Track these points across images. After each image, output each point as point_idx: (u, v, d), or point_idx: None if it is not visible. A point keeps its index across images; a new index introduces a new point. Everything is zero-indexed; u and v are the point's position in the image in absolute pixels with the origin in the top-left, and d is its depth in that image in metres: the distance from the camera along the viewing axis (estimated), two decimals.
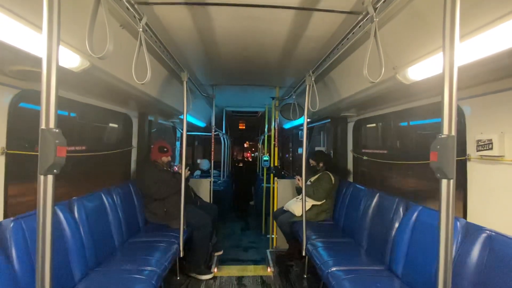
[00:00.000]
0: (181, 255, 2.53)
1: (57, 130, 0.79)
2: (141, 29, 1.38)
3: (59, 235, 1.76)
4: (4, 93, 1.60)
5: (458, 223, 1.60)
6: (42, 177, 0.78)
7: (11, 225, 1.46)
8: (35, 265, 1.48)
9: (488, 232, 1.46)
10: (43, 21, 0.80)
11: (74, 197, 2.06)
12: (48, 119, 0.78)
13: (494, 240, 1.41)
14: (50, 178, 0.79)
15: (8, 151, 1.59)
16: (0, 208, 1.57)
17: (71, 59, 1.43)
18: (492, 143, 1.54)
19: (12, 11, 1.01)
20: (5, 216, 1.57)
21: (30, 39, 1.15)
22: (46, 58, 0.79)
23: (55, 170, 0.80)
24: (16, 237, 1.46)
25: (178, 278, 2.82)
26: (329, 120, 3.82)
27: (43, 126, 0.78)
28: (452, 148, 0.82)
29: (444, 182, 0.84)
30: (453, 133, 0.82)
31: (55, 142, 0.78)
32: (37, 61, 1.29)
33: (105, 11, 1.04)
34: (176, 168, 3.28)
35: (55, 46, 0.80)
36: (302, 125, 3.68)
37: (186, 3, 1.56)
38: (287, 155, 8.43)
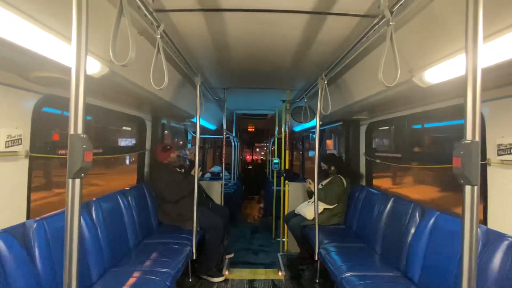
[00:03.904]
0: (194, 257, 2.55)
1: (84, 136, 0.83)
2: (158, 36, 1.42)
3: None
4: (28, 98, 1.67)
5: (479, 230, 1.54)
6: (70, 180, 0.82)
7: (35, 225, 1.52)
8: (56, 264, 1.54)
9: (510, 239, 1.41)
10: (72, 32, 0.83)
11: (92, 199, 2.12)
12: (77, 125, 0.81)
13: None
14: (77, 181, 0.83)
15: (32, 154, 1.66)
16: (24, 209, 1.63)
17: (91, 66, 1.48)
18: None
19: (42, 22, 1.06)
20: (28, 217, 1.64)
21: (56, 48, 1.20)
22: (75, 68, 0.83)
23: (82, 174, 0.83)
24: (39, 237, 1.52)
25: (190, 280, 2.84)
26: (341, 123, 3.78)
27: (71, 131, 0.81)
28: (476, 154, 0.80)
29: (467, 188, 0.82)
30: (477, 138, 0.80)
31: (83, 147, 0.81)
32: (60, 67, 1.34)
33: (127, 20, 1.08)
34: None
35: (83, 57, 0.84)
36: (312, 127, 3.66)
37: (201, 10, 1.59)
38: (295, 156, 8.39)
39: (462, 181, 0.82)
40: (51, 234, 1.57)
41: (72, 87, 0.82)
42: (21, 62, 1.33)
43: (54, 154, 1.84)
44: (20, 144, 1.57)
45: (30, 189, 1.67)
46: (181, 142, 5.62)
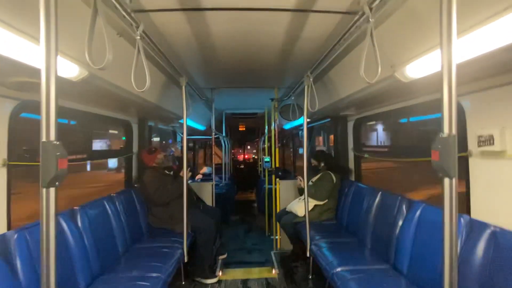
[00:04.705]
0: (186, 260, 2.52)
1: (57, 143, 0.79)
2: (138, 37, 1.38)
3: (62, 244, 1.76)
4: (4, 104, 1.60)
5: (462, 220, 1.59)
6: (44, 189, 0.78)
7: (15, 236, 1.46)
8: (39, 275, 1.49)
9: (492, 228, 1.45)
10: (41, 32, 0.80)
11: (76, 207, 2.06)
12: (49, 131, 0.78)
13: (499, 236, 1.41)
14: (52, 190, 0.79)
15: (10, 163, 1.60)
16: (3, 220, 1.57)
17: (69, 69, 1.43)
18: (493, 139, 1.54)
19: (8, 23, 1.01)
20: (9, 228, 1.57)
21: (27, 51, 1.15)
22: (45, 70, 0.79)
23: (57, 183, 0.80)
24: (20, 248, 1.46)
25: (183, 283, 2.81)
26: (329, 119, 3.82)
27: (43, 138, 0.78)
28: (453, 147, 0.81)
29: (446, 180, 0.83)
30: (454, 131, 0.82)
31: (56, 154, 0.78)
32: (35, 72, 1.29)
33: (102, 20, 1.04)
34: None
35: (53, 57, 0.80)
36: (302, 125, 3.68)
37: (182, 9, 1.56)
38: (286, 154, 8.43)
39: (440, 174, 0.84)
40: (33, 245, 1.51)
41: (42, 90, 0.79)
42: None
43: (34, 162, 1.78)
44: None
45: (10, 199, 1.61)
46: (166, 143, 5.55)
